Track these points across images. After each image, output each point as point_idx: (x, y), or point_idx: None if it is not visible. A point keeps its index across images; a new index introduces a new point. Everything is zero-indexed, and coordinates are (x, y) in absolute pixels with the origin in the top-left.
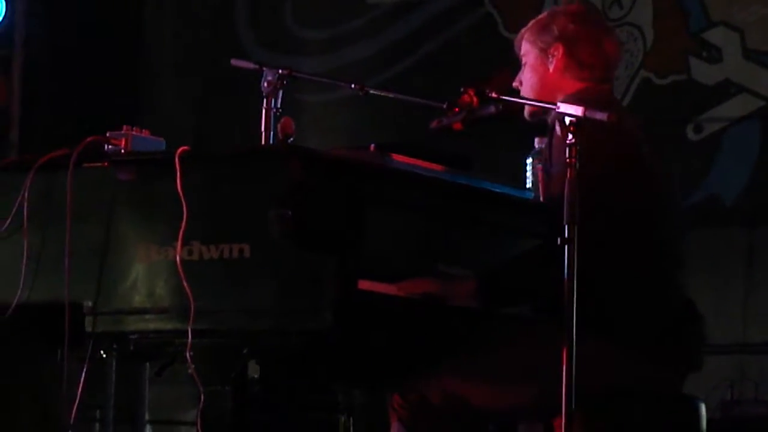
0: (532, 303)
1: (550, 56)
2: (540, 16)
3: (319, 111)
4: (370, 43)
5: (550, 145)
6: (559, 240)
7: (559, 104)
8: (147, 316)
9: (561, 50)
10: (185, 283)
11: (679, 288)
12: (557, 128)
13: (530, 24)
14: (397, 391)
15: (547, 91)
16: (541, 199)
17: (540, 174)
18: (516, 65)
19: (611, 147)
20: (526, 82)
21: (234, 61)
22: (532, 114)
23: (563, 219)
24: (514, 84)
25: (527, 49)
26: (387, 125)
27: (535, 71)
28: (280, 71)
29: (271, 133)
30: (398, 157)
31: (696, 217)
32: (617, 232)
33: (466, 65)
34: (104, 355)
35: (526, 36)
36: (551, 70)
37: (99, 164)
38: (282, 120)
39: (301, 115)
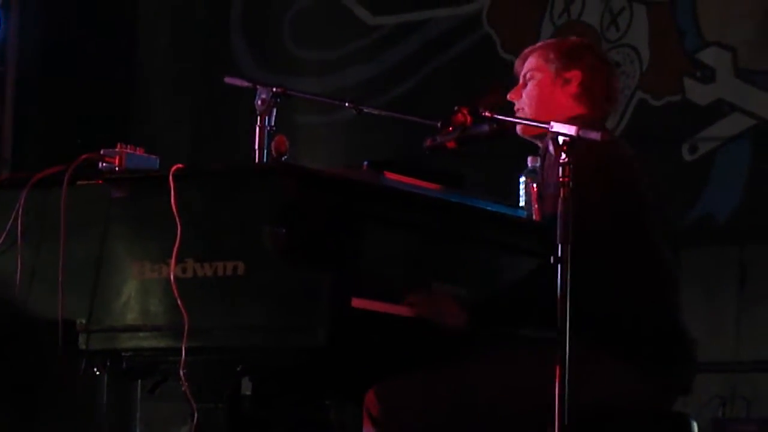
0: (531, 323)
1: (564, 80)
2: (563, 41)
3: (314, 132)
4: (370, 66)
5: (542, 166)
6: (551, 259)
7: (552, 123)
8: (140, 334)
9: (579, 78)
10: (179, 301)
11: (674, 309)
12: (550, 148)
13: (549, 42)
14: (372, 389)
15: (545, 110)
16: (535, 217)
17: (533, 192)
18: (511, 85)
19: (605, 167)
20: (529, 96)
21: (228, 79)
22: (524, 131)
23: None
24: (509, 96)
25: (539, 65)
26: (386, 147)
27: (542, 89)
28: (273, 89)
29: (265, 151)
30: (391, 175)
31: (690, 236)
32: (612, 252)
33: (466, 86)
34: (97, 373)
35: (539, 53)
36: (562, 93)
37: (93, 182)
38: (276, 138)
39: (296, 137)
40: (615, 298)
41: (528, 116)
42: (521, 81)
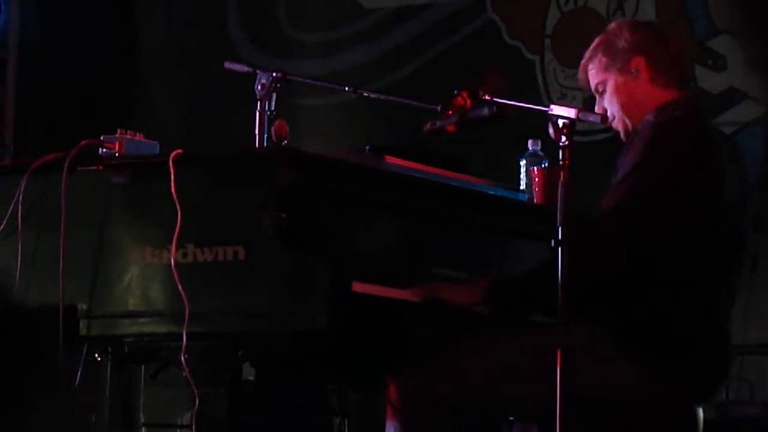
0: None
1: (633, 71)
2: (595, 43)
3: (316, 115)
4: (369, 49)
5: (625, 155)
6: (552, 242)
7: (552, 106)
8: (141, 319)
9: (643, 62)
10: (180, 286)
11: (723, 325)
12: (550, 129)
13: (589, 54)
14: (394, 380)
15: (638, 107)
16: (535, 200)
17: (534, 176)
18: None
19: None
20: (614, 106)
21: (227, 64)
22: (627, 135)
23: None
24: (598, 111)
25: (603, 78)
26: (384, 130)
27: (621, 93)
28: (273, 74)
29: (265, 136)
30: (393, 160)
31: None
32: (690, 250)
33: (469, 72)
34: (99, 359)
35: (593, 65)
36: (639, 83)
37: (93, 168)
38: (276, 123)
39: (298, 120)
40: (657, 295)
41: (623, 122)
42: (596, 94)
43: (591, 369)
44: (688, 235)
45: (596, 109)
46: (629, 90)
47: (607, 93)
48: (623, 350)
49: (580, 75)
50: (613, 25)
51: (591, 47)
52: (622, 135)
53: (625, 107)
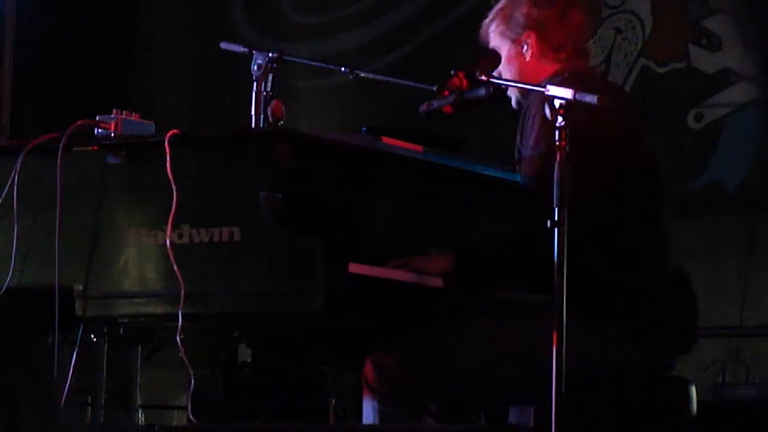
0: (523, 282)
1: (523, 45)
2: (500, 5)
3: (313, 97)
4: (366, 30)
5: (522, 128)
6: (546, 222)
7: (548, 87)
8: (137, 300)
9: (533, 37)
10: (175, 267)
11: (670, 266)
12: (546, 111)
13: (492, 15)
14: (371, 359)
15: (526, 78)
16: None
17: None
18: None
19: (595, 121)
20: (506, 74)
21: (224, 45)
22: (518, 104)
23: (536, 200)
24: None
25: (498, 42)
26: (382, 111)
27: (511, 62)
28: (270, 55)
29: (262, 116)
30: (389, 140)
31: (698, 204)
32: (603, 211)
33: (463, 53)
34: (95, 339)
35: (492, 29)
36: (528, 58)
37: (89, 148)
38: (272, 103)
39: (295, 101)
40: (602, 263)
41: (513, 91)
42: None
43: (575, 348)
44: (598, 190)
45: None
46: (519, 63)
47: (502, 60)
48: (595, 324)
49: (482, 32)
50: None
51: (495, 8)
52: (513, 103)
53: (515, 77)
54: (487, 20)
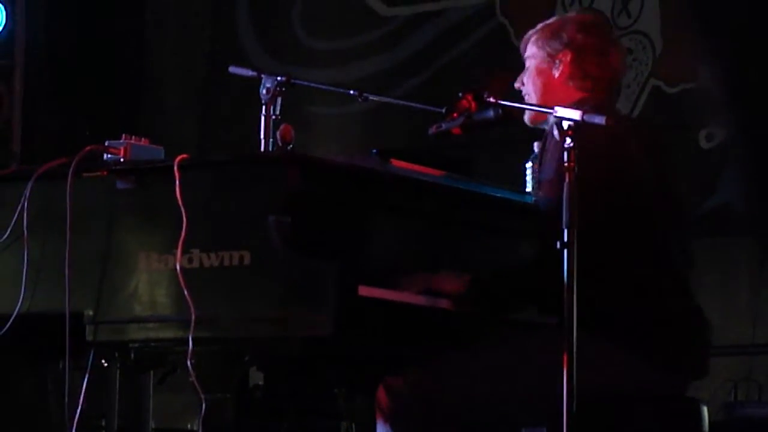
0: (536, 306)
1: (557, 62)
2: (550, 21)
3: (329, 124)
4: (384, 57)
5: (543, 150)
6: (558, 244)
7: (556, 108)
8: (148, 325)
9: (569, 57)
10: (186, 292)
11: (687, 292)
12: (555, 132)
13: (539, 27)
14: (383, 383)
15: (549, 97)
16: None
17: None
18: (518, 71)
19: (605, 150)
20: (530, 84)
21: (232, 68)
22: (533, 121)
23: (555, 223)
24: (516, 84)
25: (534, 52)
26: (399, 138)
27: (539, 74)
28: (278, 78)
29: (271, 140)
30: (399, 163)
31: (710, 223)
32: (620, 234)
33: (480, 76)
34: (106, 365)
35: (533, 39)
36: (556, 75)
37: (98, 173)
38: (281, 127)
39: (312, 128)
40: (617, 286)
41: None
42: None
43: (588, 369)
44: (615, 220)
45: (516, 83)
46: (547, 77)
47: (530, 70)
48: (611, 344)
49: (523, 39)
50: (573, 15)
51: (545, 23)
52: (526, 118)
53: (539, 90)
54: (531, 30)
